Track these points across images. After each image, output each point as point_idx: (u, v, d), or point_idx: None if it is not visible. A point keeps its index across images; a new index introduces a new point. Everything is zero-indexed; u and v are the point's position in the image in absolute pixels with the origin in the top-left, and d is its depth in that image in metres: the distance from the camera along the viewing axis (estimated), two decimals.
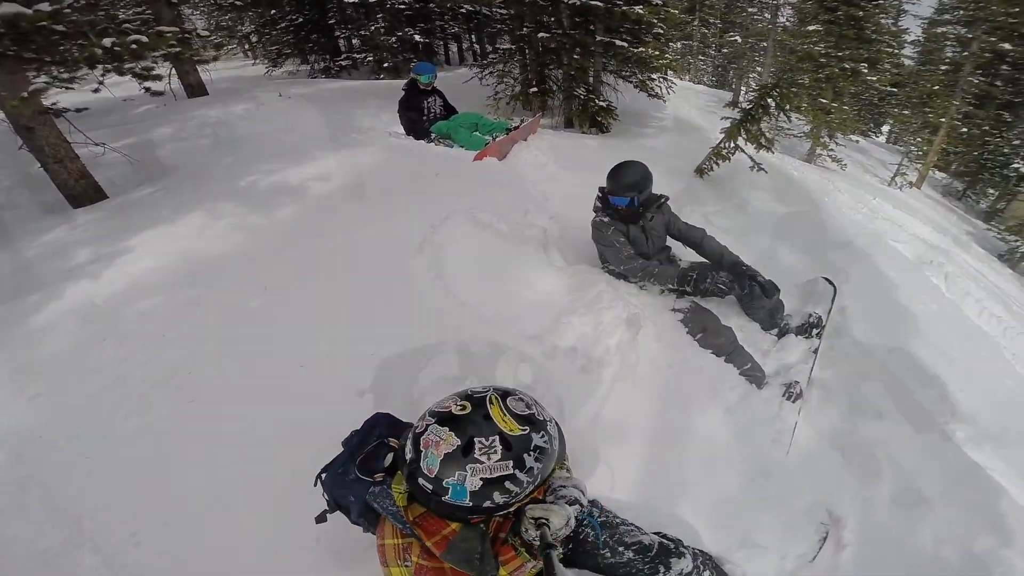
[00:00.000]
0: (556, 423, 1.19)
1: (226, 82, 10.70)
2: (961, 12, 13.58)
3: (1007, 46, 12.78)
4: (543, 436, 1.12)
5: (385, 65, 12.58)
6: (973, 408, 3.40)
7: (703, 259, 2.97)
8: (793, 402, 2.42)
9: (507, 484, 1.07)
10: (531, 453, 1.09)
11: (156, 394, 2.22)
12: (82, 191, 4.21)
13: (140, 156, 5.19)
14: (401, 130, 6.11)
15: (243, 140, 5.72)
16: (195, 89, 8.90)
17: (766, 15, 17.89)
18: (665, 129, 8.62)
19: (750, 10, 19.54)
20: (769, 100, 5.13)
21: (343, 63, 13.18)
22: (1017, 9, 11.99)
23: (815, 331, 2.90)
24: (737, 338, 2.70)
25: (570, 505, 1.27)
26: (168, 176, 4.69)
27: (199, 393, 2.22)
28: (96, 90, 4.75)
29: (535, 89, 8.34)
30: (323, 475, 1.36)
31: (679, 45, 21.12)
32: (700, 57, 22.52)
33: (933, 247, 7.29)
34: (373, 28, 11.94)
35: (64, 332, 2.58)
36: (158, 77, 4.12)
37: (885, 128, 19.99)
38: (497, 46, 8.90)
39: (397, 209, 3.70)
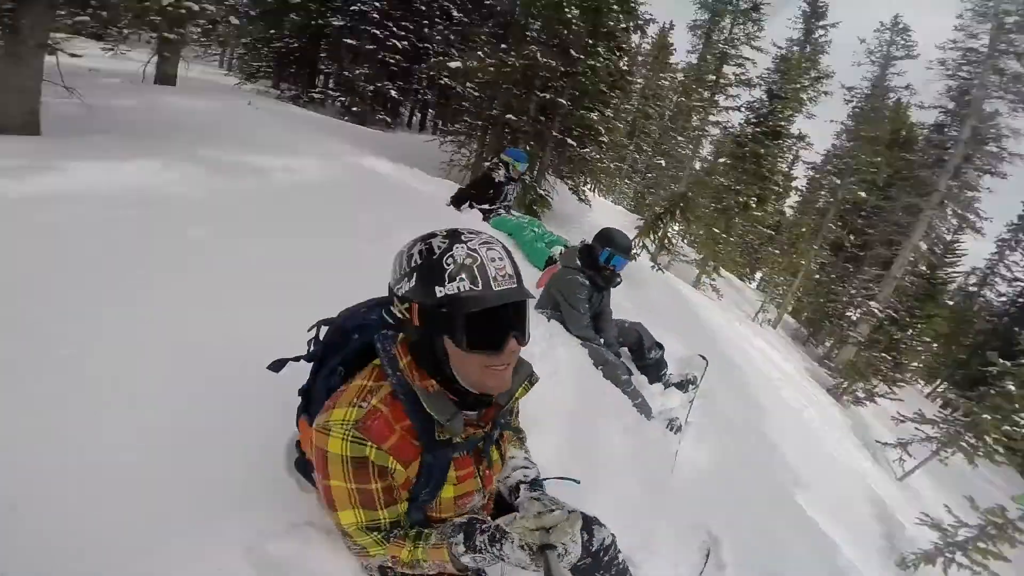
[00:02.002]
0: (480, 271, 0.91)
1: (195, 81, 10.34)
2: (838, 161, 15.76)
3: (863, 194, 14.85)
4: (445, 241, 0.93)
5: (353, 109, 12.81)
6: (808, 479, 4.02)
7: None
8: (674, 433, 2.67)
9: (397, 259, 0.99)
10: (419, 244, 0.96)
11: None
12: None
13: (97, 114, 4.87)
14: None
15: (206, 125, 5.63)
16: (167, 79, 8.58)
17: (690, 145, 20.54)
18: (584, 231, 9.20)
19: (680, 138, 22.11)
20: (680, 206, 5.90)
21: (315, 95, 13.23)
22: (879, 159, 14.25)
23: (691, 386, 3.26)
24: (630, 379, 2.97)
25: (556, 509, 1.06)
26: (119, 133, 4.39)
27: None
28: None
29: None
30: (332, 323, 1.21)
31: (612, 166, 23.47)
32: (627, 181, 25.09)
33: (779, 368, 8.53)
34: (357, 72, 12.26)
35: None
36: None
37: (758, 276, 22.95)
38: (465, 119, 9.48)
39: (357, 210, 3.80)
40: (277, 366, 1.20)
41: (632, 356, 3.41)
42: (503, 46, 7.86)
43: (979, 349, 20.64)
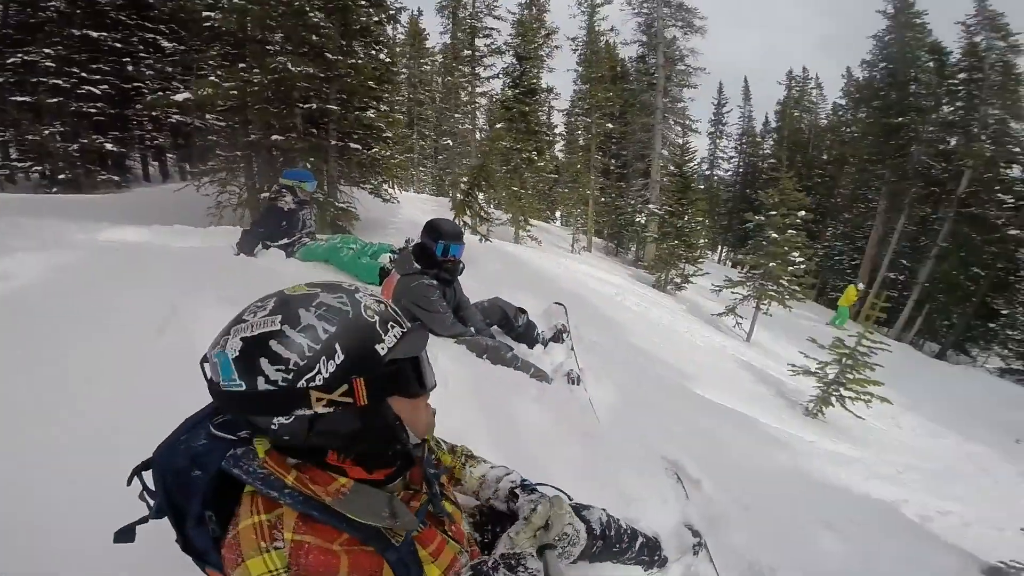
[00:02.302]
0: (392, 310, 0.85)
1: None
2: (584, 102, 18.42)
3: (610, 125, 17.92)
4: (340, 297, 0.80)
5: (60, 177, 10.04)
6: (691, 371, 4.57)
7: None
8: (577, 384, 2.74)
9: (273, 345, 0.74)
10: (312, 309, 0.77)
11: None
12: None
13: None
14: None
15: None
16: None
17: (467, 120, 21.68)
18: (402, 230, 9.04)
19: (456, 116, 22.99)
20: (480, 179, 6.05)
21: None
22: (610, 94, 17.18)
23: (564, 335, 3.39)
24: (515, 353, 2.94)
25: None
26: None
27: None
28: None
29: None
30: (148, 465, 0.88)
31: (403, 158, 23.23)
32: (421, 168, 25.15)
33: (613, 284, 9.64)
34: (47, 133, 9.49)
35: None
36: None
37: (558, 213, 25.45)
38: (218, 154, 8.14)
39: (113, 298, 2.91)
40: (127, 536, 0.85)
41: (504, 331, 3.38)
42: (242, 66, 6.85)
43: (733, 212, 27.72)
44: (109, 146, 10.26)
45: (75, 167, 10.06)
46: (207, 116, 7.68)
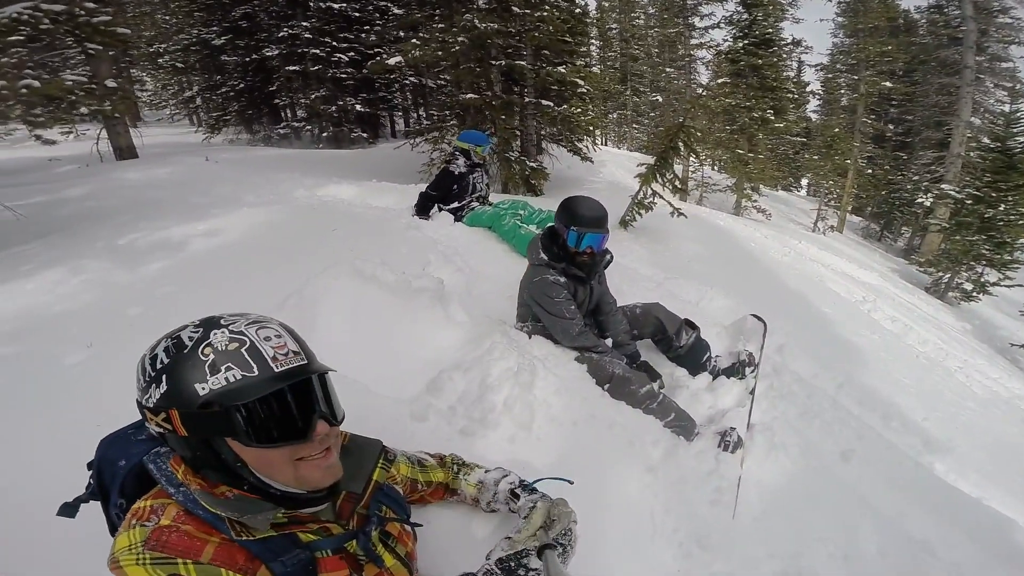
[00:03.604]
0: (255, 354, 0.82)
1: (160, 147, 10.24)
2: (848, 56, 15.47)
3: (888, 84, 14.47)
4: (197, 332, 0.84)
5: (324, 135, 12.42)
6: (945, 436, 3.05)
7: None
8: (732, 452, 1.95)
9: (139, 365, 0.86)
10: (166, 341, 0.85)
11: None
12: None
13: (39, 215, 4.74)
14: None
15: (151, 201, 5.27)
16: (125, 152, 8.42)
17: (684, 75, 19.75)
18: (597, 191, 8.51)
19: (668, 70, 21.38)
20: (678, 142, 5.04)
21: (282, 131, 12.93)
22: (889, 47, 13.77)
23: (748, 370, 2.47)
24: (656, 385, 2.22)
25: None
26: (55, 234, 4.10)
27: None
28: None
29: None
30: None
31: (615, 115, 22.61)
32: (634, 126, 23.98)
33: (863, 284, 7.36)
34: (313, 97, 11.81)
35: None
36: None
37: (804, 181, 21.32)
38: (432, 113, 8.85)
39: (278, 262, 3.26)
40: (69, 511, 0.94)
41: (659, 347, 2.65)
42: (441, 26, 7.13)
43: None
44: (359, 107, 12.21)
45: (336, 126, 12.34)
46: (440, 77, 8.25)
